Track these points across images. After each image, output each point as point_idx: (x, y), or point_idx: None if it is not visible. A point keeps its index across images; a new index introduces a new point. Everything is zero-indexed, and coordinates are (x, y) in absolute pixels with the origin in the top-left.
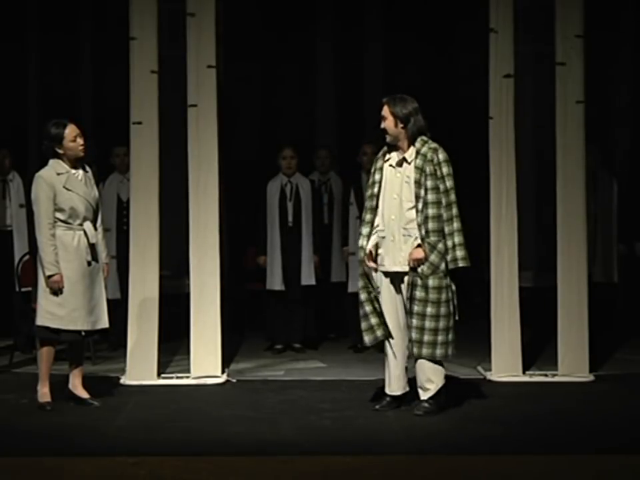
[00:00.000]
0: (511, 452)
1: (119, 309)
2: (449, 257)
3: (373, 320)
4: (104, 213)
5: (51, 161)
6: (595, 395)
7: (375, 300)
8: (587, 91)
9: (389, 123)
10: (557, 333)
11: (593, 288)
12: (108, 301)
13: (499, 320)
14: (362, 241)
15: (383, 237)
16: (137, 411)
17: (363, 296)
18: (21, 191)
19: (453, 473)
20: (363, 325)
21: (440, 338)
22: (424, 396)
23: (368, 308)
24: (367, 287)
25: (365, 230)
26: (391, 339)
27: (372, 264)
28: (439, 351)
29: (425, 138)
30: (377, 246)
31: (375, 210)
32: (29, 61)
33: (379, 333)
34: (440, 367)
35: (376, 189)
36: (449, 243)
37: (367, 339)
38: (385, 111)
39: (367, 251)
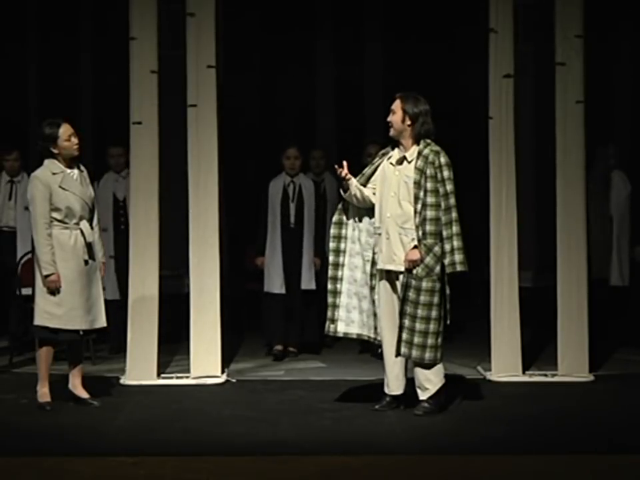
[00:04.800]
0: (511, 452)
1: (119, 310)
2: (447, 261)
3: (331, 313)
4: (100, 213)
5: (46, 161)
6: (595, 394)
7: (340, 292)
8: (587, 90)
9: (396, 118)
10: (557, 333)
11: (609, 292)
12: (107, 301)
13: (498, 320)
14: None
15: (379, 234)
16: (137, 411)
17: (330, 286)
18: None
19: (453, 472)
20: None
21: (430, 341)
22: (423, 396)
23: (330, 299)
24: (334, 277)
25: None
26: (388, 339)
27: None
28: (427, 354)
29: (428, 140)
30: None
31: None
32: (29, 61)
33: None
34: (439, 367)
35: (361, 179)
36: (447, 247)
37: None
38: (396, 105)
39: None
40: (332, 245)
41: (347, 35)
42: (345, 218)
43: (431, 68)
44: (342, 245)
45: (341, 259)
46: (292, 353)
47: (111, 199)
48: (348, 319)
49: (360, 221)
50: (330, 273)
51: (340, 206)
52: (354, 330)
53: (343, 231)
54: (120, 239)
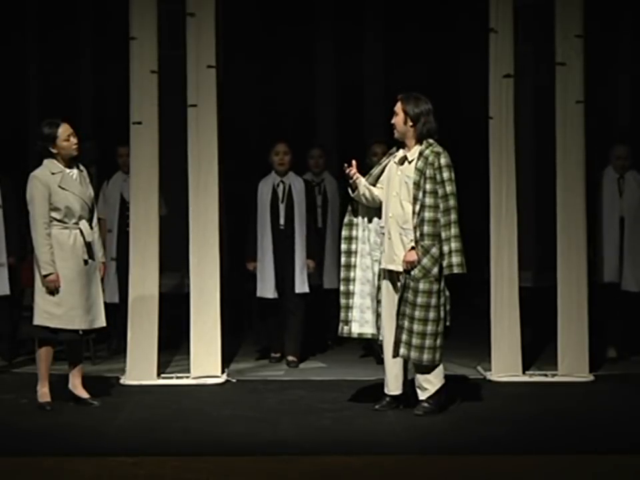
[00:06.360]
0: (511, 452)
1: (118, 312)
2: (444, 263)
3: (344, 314)
4: (107, 213)
5: (45, 161)
6: (595, 395)
7: (352, 293)
8: (587, 90)
9: (398, 120)
10: (557, 333)
11: (623, 297)
12: (106, 304)
13: (498, 320)
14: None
15: (383, 234)
16: (137, 411)
17: (342, 287)
18: None
19: (453, 473)
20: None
21: (428, 342)
22: (423, 396)
23: (343, 301)
24: (347, 278)
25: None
26: (389, 339)
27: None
28: (426, 356)
29: (430, 141)
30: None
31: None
32: (29, 61)
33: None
34: (439, 367)
35: (370, 179)
36: (445, 249)
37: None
38: (398, 107)
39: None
40: (343, 246)
41: (347, 34)
42: (355, 219)
43: (431, 68)
44: (353, 246)
45: (353, 259)
46: (292, 362)
47: (118, 199)
48: (362, 320)
49: (370, 221)
50: (342, 274)
51: (350, 207)
52: (368, 330)
53: (354, 232)
54: (122, 240)
